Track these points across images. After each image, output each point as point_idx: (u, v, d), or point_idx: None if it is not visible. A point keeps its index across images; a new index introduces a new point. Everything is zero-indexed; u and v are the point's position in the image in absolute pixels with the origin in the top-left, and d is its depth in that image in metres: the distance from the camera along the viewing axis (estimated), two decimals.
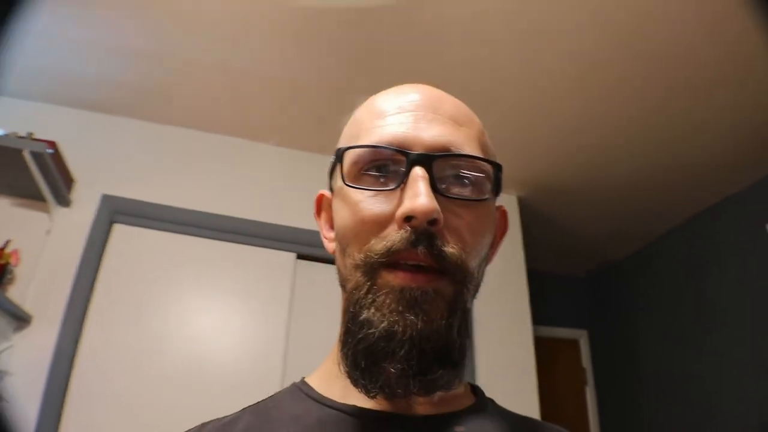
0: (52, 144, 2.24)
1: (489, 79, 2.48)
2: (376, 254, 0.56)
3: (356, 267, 0.59)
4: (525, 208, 3.40)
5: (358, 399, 0.61)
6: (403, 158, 0.58)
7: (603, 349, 4.49)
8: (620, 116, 2.71)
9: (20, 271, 2.30)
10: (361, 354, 0.56)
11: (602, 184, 3.32)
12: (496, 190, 0.63)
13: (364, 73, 2.44)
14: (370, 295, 0.56)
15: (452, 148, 0.60)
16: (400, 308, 0.54)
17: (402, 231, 0.55)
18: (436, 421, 0.62)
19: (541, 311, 3.57)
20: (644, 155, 3.02)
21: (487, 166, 0.62)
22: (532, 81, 2.49)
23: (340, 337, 0.61)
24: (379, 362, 0.54)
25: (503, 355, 2.82)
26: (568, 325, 4.61)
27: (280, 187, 2.88)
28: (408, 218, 0.55)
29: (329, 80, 2.51)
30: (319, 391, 0.66)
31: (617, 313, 4.38)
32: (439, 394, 0.57)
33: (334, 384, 0.65)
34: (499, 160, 0.63)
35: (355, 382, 0.57)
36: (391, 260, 0.56)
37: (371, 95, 0.70)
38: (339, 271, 0.65)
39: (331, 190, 0.71)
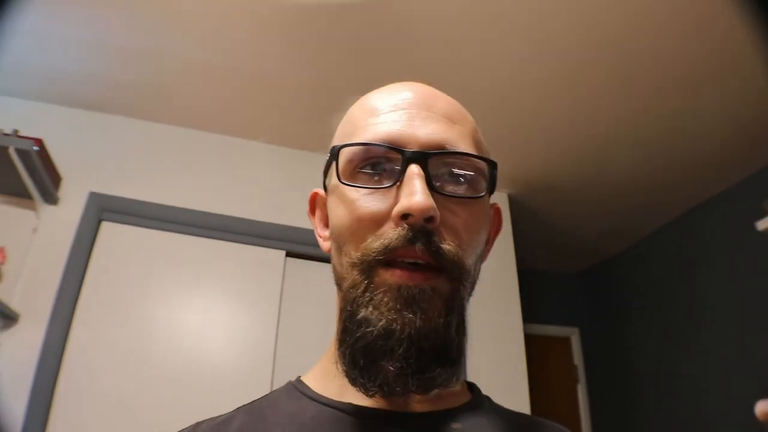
0: (38, 141, 2.22)
1: (479, 78, 2.48)
2: (373, 252, 0.56)
3: (353, 265, 0.59)
4: (515, 206, 3.40)
5: (354, 397, 0.61)
6: (399, 156, 0.58)
7: (595, 346, 4.50)
8: (609, 114, 2.71)
9: (7, 269, 2.28)
10: (359, 352, 0.56)
11: (593, 182, 3.33)
12: (491, 187, 0.63)
13: (355, 71, 2.43)
14: (367, 294, 0.56)
15: (447, 146, 0.60)
16: (398, 306, 0.54)
17: (399, 228, 0.56)
18: (433, 419, 0.62)
19: (533, 309, 3.58)
20: (634, 153, 3.03)
21: (482, 164, 0.62)
22: (522, 79, 2.50)
23: (337, 335, 0.61)
24: (378, 360, 0.55)
25: (494, 353, 2.82)
26: (559, 323, 4.62)
27: (270, 185, 2.87)
28: (404, 216, 0.55)
29: (319, 78, 2.50)
30: (315, 390, 0.66)
31: (609, 311, 4.39)
32: (435, 391, 0.57)
33: (330, 382, 0.65)
34: (491, 158, 0.64)
35: (354, 381, 0.57)
36: (388, 258, 0.56)
37: (363, 93, 0.70)
38: (335, 270, 0.65)
39: (325, 188, 0.71)
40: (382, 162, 0.60)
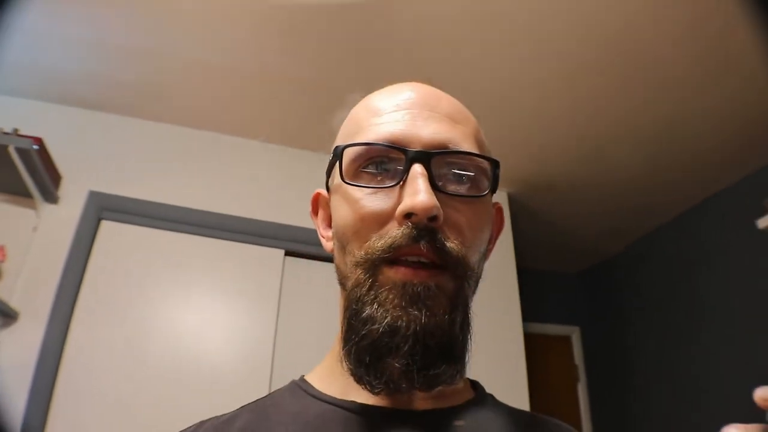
0: (38, 140, 2.22)
1: (479, 77, 2.48)
2: (377, 250, 0.57)
3: (357, 264, 0.59)
4: (515, 205, 3.40)
5: (358, 395, 0.61)
6: (402, 156, 0.59)
7: (595, 345, 4.50)
8: (609, 114, 2.71)
9: (7, 268, 2.29)
10: (364, 350, 0.56)
11: (593, 181, 3.32)
12: (494, 186, 0.63)
13: (355, 71, 2.43)
14: (372, 292, 0.57)
15: (450, 146, 0.61)
16: (403, 303, 0.55)
17: (403, 227, 0.56)
18: (436, 416, 0.62)
19: (533, 308, 3.58)
20: (634, 152, 3.02)
21: (485, 163, 0.62)
22: (522, 79, 2.49)
23: (342, 334, 0.61)
24: (383, 357, 0.55)
25: (493, 352, 2.82)
26: (560, 322, 4.62)
27: (269, 184, 2.87)
28: (408, 215, 0.55)
29: (319, 77, 2.50)
30: (319, 388, 0.66)
31: (609, 310, 4.39)
32: (439, 389, 0.57)
33: (334, 381, 0.65)
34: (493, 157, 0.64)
35: (359, 379, 0.57)
36: (393, 256, 0.56)
37: (364, 92, 0.71)
38: (338, 269, 0.65)
39: (328, 188, 0.71)
40: (385, 162, 0.60)
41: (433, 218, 0.55)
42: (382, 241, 0.57)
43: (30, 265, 2.33)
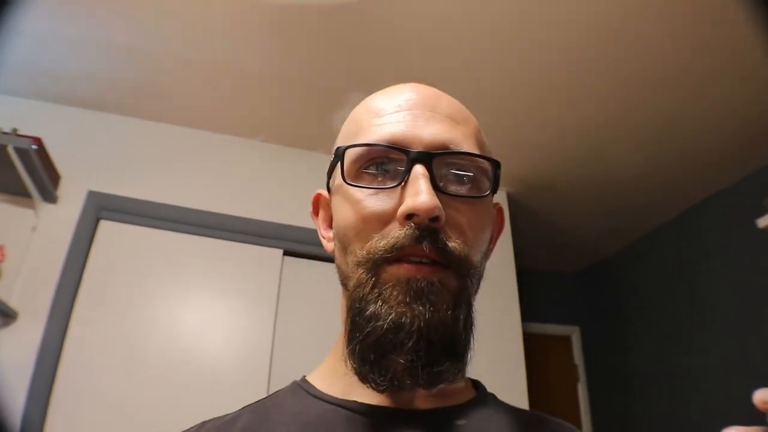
0: (37, 140, 2.23)
1: (477, 77, 2.48)
2: (380, 250, 0.57)
3: (359, 264, 0.59)
4: (514, 205, 3.40)
5: (359, 395, 0.62)
6: (403, 156, 0.59)
7: (595, 345, 4.50)
8: (608, 114, 2.71)
9: (6, 268, 2.29)
10: (369, 347, 0.56)
11: (592, 181, 3.32)
12: (494, 187, 0.63)
13: (354, 71, 2.44)
14: (375, 290, 0.57)
15: (451, 146, 0.61)
16: (408, 299, 0.55)
17: (406, 228, 0.56)
18: (438, 415, 0.62)
19: (533, 308, 3.58)
20: (633, 152, 3.02)
21: (486, 163, 0.62)
22: (521, 79, 2.49)
23: (345, 333, 0.61)
24: (388, 354, 0.55)
25: (493, 352, 2.82)
26: (559, 322, 4.62)
27: (268, 184, 2.88)
28: (410, 216, 0.55)
29: (318, 77, 2.50)
30: (320, 388, 0.66)
31: (609, 310, 4.38)
32: (441, 387, 0.57)
33: (335, 381, 0.65)
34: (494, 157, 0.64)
35: (364, 377, 0.57)
36: (395, 256, 0.56)
37: (363, 92, 0.71)
38: (339, 270, 0.65)
39: (328, 189, 0.71)
40: (387, 162, 0.61)
41: (435, 219, 0.55)
42: (385, 241, 0.57)
43: (29, 265, 2.34)
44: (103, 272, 2.46)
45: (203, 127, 2.87)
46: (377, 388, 0.57)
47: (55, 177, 2.45)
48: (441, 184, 0.58)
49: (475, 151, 0.63)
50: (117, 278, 2.47)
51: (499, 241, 0.73)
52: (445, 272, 0.57)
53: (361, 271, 0.58)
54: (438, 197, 0.56)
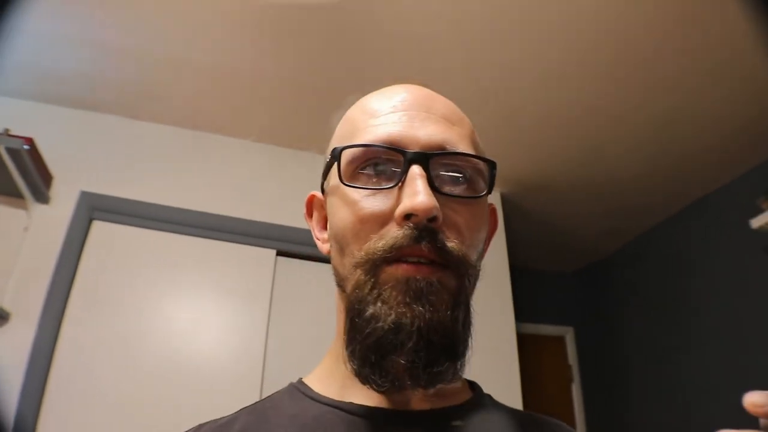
0: (29, 140, 2.22)
1: (472, 76, 2.48)
2: (378, 251, 0.57)
3: (357, 265, 0.59)
4: (508, 205, 3.40)
5: (356, 396, 0.62)
6: (400, 157, 0.59)
7: (589, 345, 4.51)
8: (601, 114, 2.72)
9: None
10: (369, 349, 0.56)
11: (586, 181, 3.33)
12: (490, 187, 0.63)
13: (347, 71, 2.44)
14: (375, 291, 0.57)
15: (447, 147, 0.61)
16: (407, 300, 0.55)
17: (404, 228, 0.56)
18: (435, 416, 0.62)
19: (527, 308, 3.58)
20: (627, 152, 3.03)
21: (481, 164, 0.63)
22: (515, 78, 2.50)
23: (345, 335, 0.60)
24: (388, 355, 0.55)
25: (486, 353, 2.80)
26: (554, 322, 4.63)
27: (260, 184, 2.87)
28: (408, 216, 0.56)
29: (311, 77, 2.50)
30: (317, 390, 0.66)
31: (603, 310, 4.39)
32: (438, 387, 0.57)
33: (332, 382, 0.65)
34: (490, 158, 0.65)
35: (365, 378, 0.57)
36: (394, 256, 0.56)
37: (355, 92, 0.72)
38: (336, 271, 0.65)
39: (323, 190, 0.71)
40: (383, 163, 0.61)
41: (433, 219, 0.55)
42: (383, 242, 0.57)
43: (21, 266, 2.33)
44: (96, 273, 2.45)
45: (196, 128, 2.86)
46: (378, 389, 0.57)
47: (47, 177, 2.44)
48: (438, 185, 0.58)
49: (471, 151, 0.63)
50: (110, 279, 2.46)
51: (493, 242, 0.73)
52: (443, 272, 0.57)
53: (359, 272, 0.58)
54: (435, 197, 0.56)
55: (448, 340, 0.55)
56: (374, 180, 0.61)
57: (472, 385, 0.72)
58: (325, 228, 0.71)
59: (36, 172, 2.30)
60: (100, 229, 2.54)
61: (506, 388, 2.80)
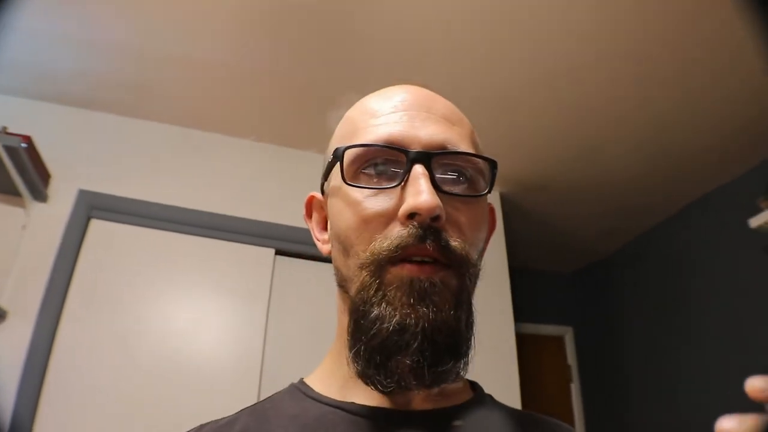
0: (26, 138, 2.21)
1: (473, 77, 2.48)
2: (384, 251, 0.57)
3: (362, 266, 0.59)
4: (508, 204, 3.40)
5: (357, 396, 0.62)
6: (401, 156, 0.60)
7: (588, 345, 4.51)
8: (601, 113, 2.71)
9: None
10: (375, 349, 0.56)
11: (586, 181, 3.33)
12: (490, 186, 0.64)
13: (347, 70, 2.43)
14: (380, 292, 0.57)
15: (448, 146, 0.61)
16: (411, 300, 0.55)
17: (409, 227, 0.56)
18: (436, 416, 0.62)
19: (527, 308, 3.58)
20: (627, 152, 3.03)
21: (482, 163, 0.63)
22: (516, 79, 2.49)
23: (348, 335, 0.60)
24: (393, 356, 0.55)
25: (485, 353, 2.77)
26: (553, 322, 4.63)
27: (259, 183, 2.87)
28: (411, 215, 0.56)
29: (310, 77, 2.50)
30: (318, 390, 0.66)
31: (602, 310, 4.39)
32: (440, 387, 0.58)
33: (333, 383, 0.66)
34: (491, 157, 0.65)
35: (369, 379, 0.57)
36: (399, 256, 0.56)
37: (355, 91, 0.72)
38: (339, 272, 0.65)
39: (322, 191, 0.71)
40: (385, 163, 0.61)
41: (436, 218, 0.56)
42: (388, 242, 0.57)
43: (19, 264, 2.33)
44: (94, 271, 2.44)
45: (195, 126, 2.86)
46: (384, 390, 0.57)
47: (45, 175, 2.44)
48: (439, 184, 0.59)
49: (471, 151, 0.64)
50: (108, 277, 2.45)
51: (492, 241, 0.74)
52: (446, 271, 0.57)
53: (365, 273, 0.58)
54: (438, 196, 0.56)
55: (452, 339, 0.56)
56: (375, 180, 0.61)
57: (473, 386, 0.73)
58: (325, 229, 0.71)
59: (34, 170, 2.29)
60: (98, 227, 2.54)
61: (506, 388, 2.80)
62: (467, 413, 0.64)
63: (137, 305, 2.45)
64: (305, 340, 2.52)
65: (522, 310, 3.22)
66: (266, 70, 2.48)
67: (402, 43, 2.29)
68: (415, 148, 0.59)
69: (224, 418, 0.67)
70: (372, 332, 0.56)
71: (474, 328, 0.60)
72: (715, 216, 3.32)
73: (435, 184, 0.57)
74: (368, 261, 0.58)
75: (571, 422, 4.27)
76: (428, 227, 0.56)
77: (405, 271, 0.56)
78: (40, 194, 2.43)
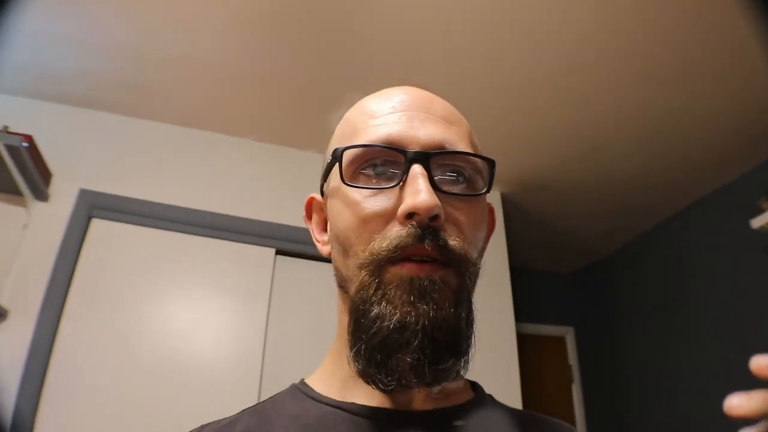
0: (28, 138, 2.21)
1: (472, 76, 2.48)
2: (383, 251, 0.57)
3: (361, 266, 0.59)
4: (508, 204, 3.40)
5: (358, 396, 0.62)
6: (400, 157, 0.60)
7: (589, 345, 4.51)
8: (602, 114, 2.71)
9: None
10: (375, 348, 0.56)
11: (586, 181, 3.33)
12: (489, 186, 0.64)
13: (348, 70, 2.43)
14: (380, 291, 0.57)
15: (447, 146, 0.62)
16: (411, 298, 0.55)
17: (408, 227, 0.57)
18: (437, 416, 0.63)
19: (528, 308, 3.58)
20: (627, 152, 3.03)
21: (481, 163, 0.63)
22: (516, 78, 2.49)
23: (349, 335, 0.61)
24: (394, 354, 0.55)
25: (486, 353, 2.78)
26: (554, 323, 4.62)
27: (260, 183, 2.87)
28: (410, 215, 0.56)
29: (310, 77, 2.50)
30: (319, 391, 0.66)
31: (603, 310, 4.39)
32: (440, 387, 0.58)
33: (333, 383, 0.66)
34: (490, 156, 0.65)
35: (370, 378, 0.57)
36: (399, 256, 0.56)
37: (355, 91, 0.72)
38: (339, 272, 0.66)
39: (322, 192, 0.72)
40: (383, 163, 0.61)
41: (435, 217, 0.56)
42: (387, 242, 0.57)
43: (20, 263, 2.33)
44: (95, 271, 2.44)
45: (196, 126, 2.86)
46: (385, 389, 0.57)
47: (46, 175, 2.44)
48: (438, 183, 0.59)
49: (470, 151, 0.64)
50: (108, 277, 2.45)
51: (493, 241, 0.74)
52: (445, 270, 0.57)
53: (364, 273, 0.58)
54: (436, 196, 0.56)
55: (452, 337, 0.56)
56: (374, 180, 0.61)
57: (474, 386, 0.73)
58: (325, 230, 0.71)
59: (35, 169, 2.30)
60: (99, 227, 2.54)
61: (506, 388, 2.80)
62: (468, 413, 0.65)
63: (138, 305, 2.45)
64: (306, 340, 2.52)
65: (523, 310, 3.22)
66: (266, 70, 2.48)
67: (402, 43, 2.29)
68: (414, 148, 0.60)
69: (226, 418, 0.67)
70: (372, 331, 0.56)
71: (474, 326, 0.60)
72: (715, 216, 3.32)
73: (433, 184, 0.58)
74: (367, 261, 0.58)
75: (572, 422, 4.27)
76: (427, 227, 0.56)
77: (404, 270, 0.56)
78: (41, 193, 2.43)
